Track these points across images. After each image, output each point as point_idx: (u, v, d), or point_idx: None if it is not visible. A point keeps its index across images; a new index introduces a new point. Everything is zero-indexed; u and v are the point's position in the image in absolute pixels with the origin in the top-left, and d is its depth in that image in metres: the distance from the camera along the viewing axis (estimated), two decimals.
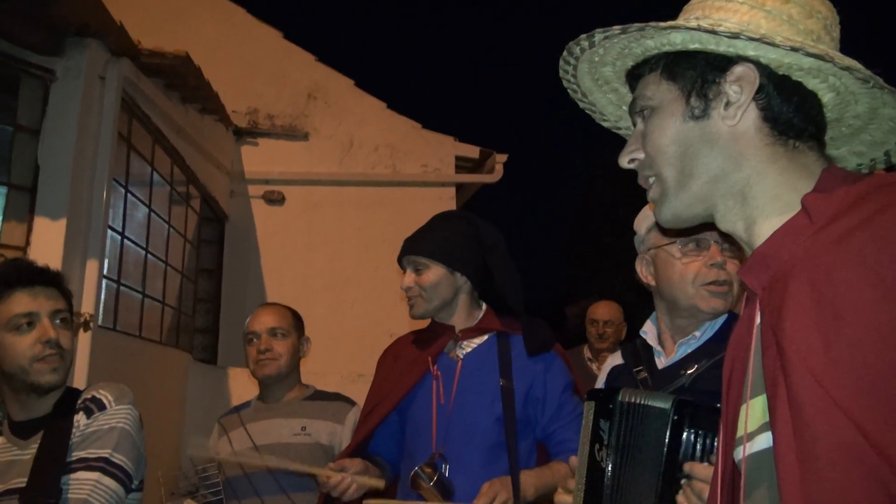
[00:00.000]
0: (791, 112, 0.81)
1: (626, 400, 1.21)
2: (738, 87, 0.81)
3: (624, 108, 0.99)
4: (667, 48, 0.85)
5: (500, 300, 1.89)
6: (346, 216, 6.07)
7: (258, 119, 6.13)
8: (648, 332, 1.49)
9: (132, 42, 3.67)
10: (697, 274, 1.37)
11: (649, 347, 1.48)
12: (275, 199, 6.02)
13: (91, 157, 3.53)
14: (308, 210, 6.06)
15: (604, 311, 3.93)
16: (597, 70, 0.94)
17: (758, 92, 0.81)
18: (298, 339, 2.29)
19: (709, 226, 0.88)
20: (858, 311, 0.65)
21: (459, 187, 6.46)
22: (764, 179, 0.81)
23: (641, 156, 0.88)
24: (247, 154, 6.08)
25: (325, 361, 4.97)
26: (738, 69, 0.81)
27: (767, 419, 0.72)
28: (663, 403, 1.17)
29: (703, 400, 1.16)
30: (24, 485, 1.44)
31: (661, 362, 1.44)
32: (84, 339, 3.35)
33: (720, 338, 1.39)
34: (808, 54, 0.76)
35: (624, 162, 0.91)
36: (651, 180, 0.88)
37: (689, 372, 1.35)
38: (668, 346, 1.45)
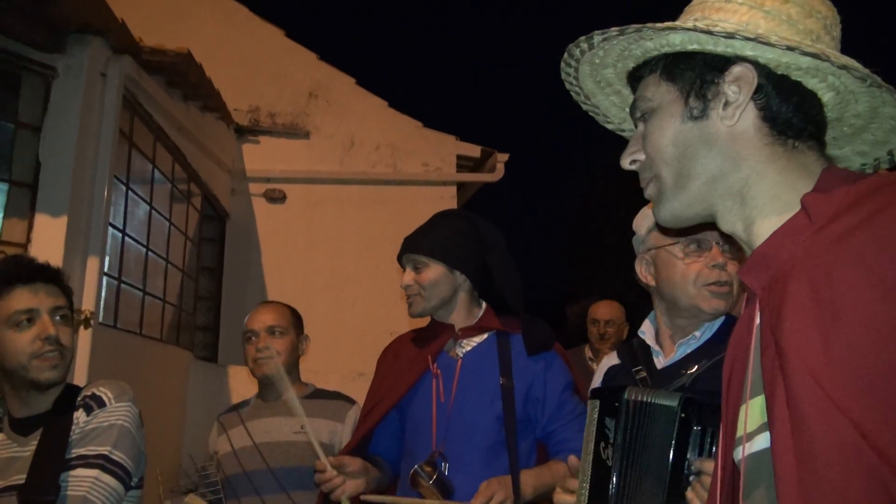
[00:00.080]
0: (790, 111, 0.81)
1: (633, 398, 1.21)
2: (737, 88, 0.81)
3: (627, 110, 0.99)
4: (666, 49, 0.85)
5: (499, 299, 1.89)
6: (347, 215, 6.08)
7: (259, 117, 6.13)
8: (647, 331, 1.49)
9: (133, 39, 3.67)
10: (699, 274, 1.38)
11: (647, 347, 1.48)
12: (276, 198, 6.03)
13: (92, 155, 3.54)
14: (309, 208, 6.06)
15: (605, 311, 3.92)
16: (598, 72, 0.95)
17: (756, 92, 0.81)
18: (297, 337, 2.28)
19: (709, 226, 0.88)
20: (857, 310, 0.65)
21: (460, 186, 6.46)
22: (762, 179, 0.81)
23: (642, 157, 0.88)
24: (248, 152, 6.08)
25: (325, 360, 4.97)
26: (737, 69, 0.81)
27: (766, 419, 0.72)
28: (670, 401, 1.17)
29: (708, 398, 1.16)
30: (23, 481, 1.44)
31: (660, 362, 1.44)
32: (84, 337, 3.36)
33: (719, 338, 1.39)
34: (805, 53, 0.76)
35: (625, 163, 0.91)
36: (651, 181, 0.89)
37: (689, 372, 1.35)
38: (667, 346, 1.44)
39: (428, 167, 6.28)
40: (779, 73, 0.81)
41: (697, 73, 0.83)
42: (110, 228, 3.73)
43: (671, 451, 1.14)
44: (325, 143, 6.20)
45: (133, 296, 4.24)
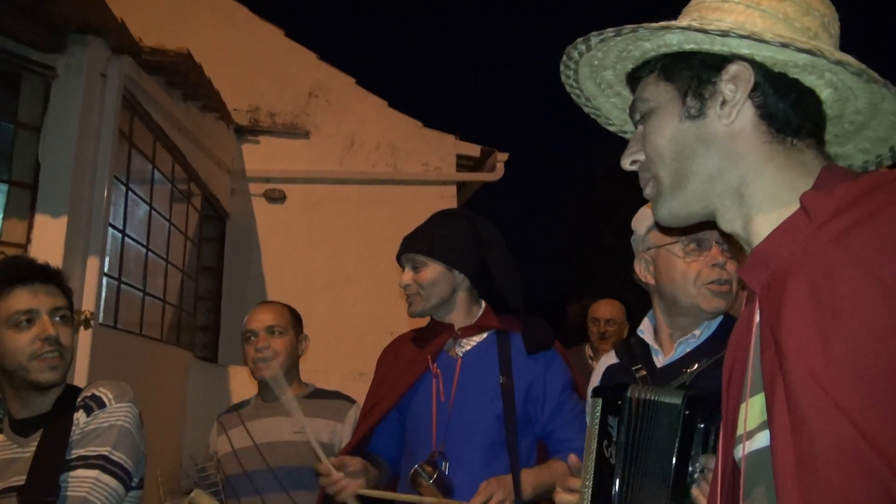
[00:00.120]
0: (788, 109, 0.81)
1: (636, 396, 1.21)
2: (734, 86, 0.81)
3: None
4: (663, 50, 0.85)
5: (499, 298, 1.89)
6: (347, 214, 6.08)
7: (259, 117, 6.13)
8: (646, 330, 1.49)
9: (133, 39, 3.67)
10: (699, 273, 1.38)
11: (646, 346, 1.48)
12: (276, 198, 6.03)
13: (92, 155, 3.54)
14: (309, 208, 6.06)
15: (605, 310, 3.92)
16: (598, 74, 0.95)
17: (753, 90, 0.81)
18: (296, 336, 2.28)
19: (710, 225, 0.89)
20: (857, 309, 0.65)
21: (460, 186, 6.46)
22: (760, 178, 0.81)
23: (642, 157, 0.89)
24: (248, 152, 6.08)
25: (326, 360, 4.97)
26: (733, 68, 0.81)
27: (766, 418, 0.72)
28: (674, 399, 1.18)
29: (710, 396, 1.16)
30: (23, 482, 1.44)
31: (660, 361, 1.44)
32: (85, 337, 3.36)
33: (718, 337, 1.40)
34: (799, 49, 0.76)
35: (626, 164, 0.91)
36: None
37: (690, 370, 1.36)
38: (667, 344, 1.45)
39: (428, 167, 6.28)
40: (776, 70, 0.81)
41: (694, 73, 0.83)
42: (110, 229, 3.73)
43: (675, 449, 1.15)
44: (324, 142, 6.20)
45: (133, 296, 4.24)
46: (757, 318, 0.78)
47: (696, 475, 1.12)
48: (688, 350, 1.41)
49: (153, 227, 4.50)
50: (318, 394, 2.30)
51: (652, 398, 1.20)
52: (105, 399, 1.55)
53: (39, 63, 3.39)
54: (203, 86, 4.63)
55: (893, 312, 0.63)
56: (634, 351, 1.49)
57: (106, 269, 3.71)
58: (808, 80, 0.81)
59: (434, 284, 1.84)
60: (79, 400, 1.56)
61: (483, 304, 1.94)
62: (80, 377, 3.23)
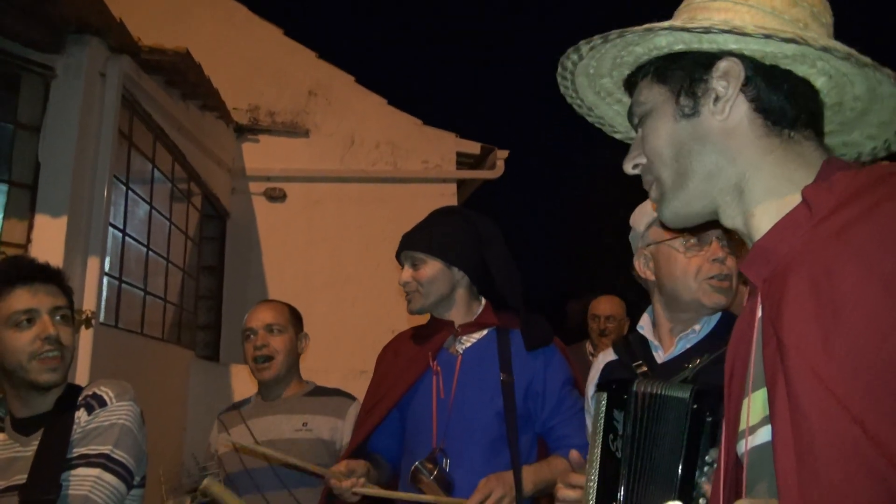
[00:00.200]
0: (782, 100, 0.81)
1: (642, 390, 1.21)
2: (725, 82, 0.81)
3: None
4: (655, 53, 0.86)
5: (498, 296, 1.90)
6: (347, 213, 6.07)
7: (259, 116, 6.13)
8: (645, 326, 1.50)
9: (132, 39, 3.67)
10: (700, 269, 1.39)
11: (645, 342, 1.48)
12: (276, 196, 6.02)
13: (92, 155, 3.54)
14: (309, 207, 6.06)
15: (605, 307, 3.91)
16: (596, 83, 0.96)
17: (745, 84, 0.81)
18: (296, 335, 2.28)
19: (713, 224, 0.89)
20: (857, 305, 0.64)
21: (461, 184, 6.45)
22: (759, 172, 0.81)
23: (644, 160, 0.89)
24: (248, 151, 6.08)
25: (326, 358, 4.97)
26: (723, 64, 0.81)
27: (768, 412, 0.72)
28: (681, 393, 1.18)
29: (715, 391, 1.16)
30: (24, 481, 1.44)
31: (660, 356, 1.44)
32: (86, 337, 3.36)
33: (717, 333, 1.40)
34: (782, 39, 0.77)
35: (628, 168, 0.92)
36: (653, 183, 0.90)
37: (691, 366, 1.36)
38: (667, 340, 1.45)
39: (428, 164, 6.28)
40: (767, 63, 0.81)
41: (686, 72, 0.84)
42: (110, 228, 3.73)
43: (683, 443, 1.15)
44: (324, 141, 6.20)
45: (134, 295, 4.25)
46: (759, 313, 0.78)
47: (705, 468, 1.12)
48: (688, 346, 1.42)
49: (153, 226, 4.50)
50: (319, 391, 2.30)
51: (659, 392, 1.20)
52: (106, 398, 1.56)
53: (38, 63, 3.39)
54: (202, 85, 4.63)
55: (894, 308, 0.63)
56: (633, 347, 1.49)
57: (107, 269, 3.71)
58: (801, 70, 0.82)
59: (433, 282, 1.84)
60: (80, 399, 1.56)
61: (483, 301, 1.94)
62: (81, 376, 3.23)
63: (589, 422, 1.57)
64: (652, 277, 1.47)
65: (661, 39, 0.83)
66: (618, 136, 1.05)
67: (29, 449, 1.50)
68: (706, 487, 1.11)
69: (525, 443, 1.80)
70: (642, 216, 1.50)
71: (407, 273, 1.87)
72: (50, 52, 3.40)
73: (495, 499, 1.63)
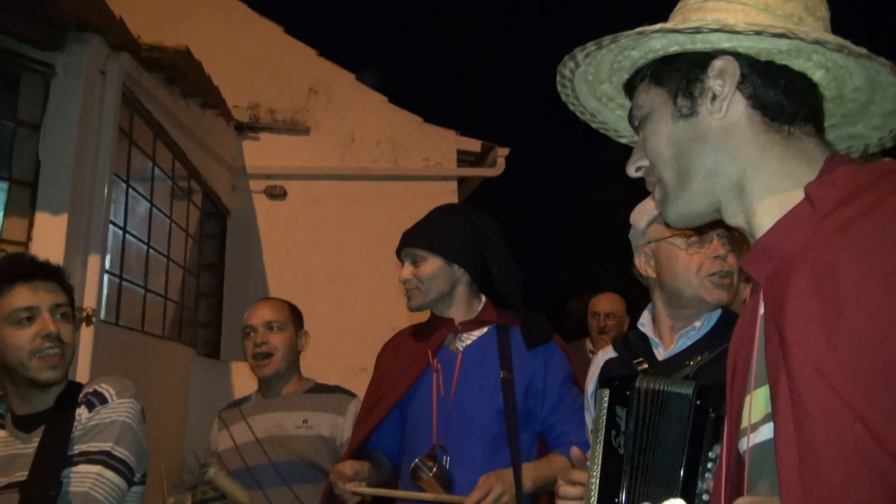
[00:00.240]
0: (779, 96, 0.81)
1: (645, 387, 1.22)
2: (721, 81, 0.82)
3: None
4: (651, 56, 0.87)
5: (498, 293, 1.90)
6: (347, 211, 6.07)
7: (259, 114, 6.12)
8: (646, 323, 1.50)
9: (132, 37, 3.66)
10: (701, 265, 1.39)
11: (645, 339, 1.48)
12: (276, 194, 6.02)
13: (92, 153, 3.54)
14: (310, 205, 6.06)
15: (605, 304, 3.90)
16: (596, 89, 0.96)
17: (742, 82, 0.81)
18: (296, 332, 2.29)
19: (717, 222, 0.89)
20: (860, 302, 0.64)
21: (461, 181, 6.45)
22: (759, 169, 0.81)
23: (646, 163, 0.90)
24: (248, 149, 6.08)
25: (327, 356, 4.98)
26: (718, 63, 0.82)
27: (770, 410, 0.72)
28: (685, 389, 1.18)
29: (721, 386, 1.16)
30: (25, 478, 1.44)
31: (661, 354, 1.44)
32: (86, 334, 3.36)
33: (717, 331, 1.41)
34: (773, 35, 0.77)
35: (631, 171, 0.93)
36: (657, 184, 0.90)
37: (692, 363, 1.36)
38: (667, 338, 1.45)
39: (428, 162, 6.28)
40: (762, 59, 0.81)
41: (682, 73, 0.84)
42: (111, 226, 3.73)
43: (687, 439, 1.15)
44: (325, 139, 6.19)
45: (134, 293, 4.25)
46: (761, 311, 0.78)
47: (708, 464, 1.13)
48: (689, 343, 1.42)
49: (154, 224, 4.50)
50: (319, 388, 2.30)
51: (662, 388, 1.20)
52: (107, 395, 1.56)
53: (39, 61, 3.39)
54: (203, 83, 4.63)
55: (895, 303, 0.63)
56: (633, 345, 1.49)
57: (107, 267, 3.71)
58: (797, 65, 0.82)
59: (433, 279, 1.85)
60: (81, 396, 1.56)
61: (483, 298, 1.94)
62: (81, 374, 3.24)
63: (589, 419, 1.57)
64: (653, 275, 1.47)
65: (655, 42, 0.84)
66: (623, 141, 1.05)
67: (30, 446, 1.51)
68: (710, 483, 1.11)
69: (525, 440, 1.80)
70: (643, 214, 1.50)
71: (407, 270, 1.87)
72: (50, 50, 3.40)
73: (495, 496, 1.63)
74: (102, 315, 3.61)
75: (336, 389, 2.31)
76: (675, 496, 1.13)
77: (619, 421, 1.22)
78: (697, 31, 0.79)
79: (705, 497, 1.11)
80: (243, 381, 4.95)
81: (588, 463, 1.25)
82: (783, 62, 0.81)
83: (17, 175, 3.38)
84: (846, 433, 0.62)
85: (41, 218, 3.33)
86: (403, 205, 5.84)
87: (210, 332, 5.81)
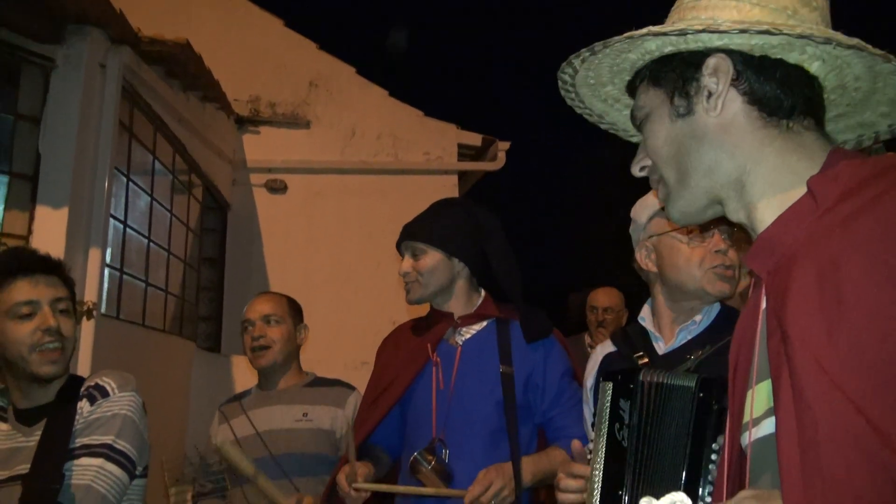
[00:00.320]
0: (775, 89, 0.82)
1: (648, 380, 1.22)
2: (715, 78, 0.82)
3: None
4: (648, 57, 0.88)
5: (497, 288, 1.90)
6: (348, 205, 6.07)
7: (260, 107, 6.11)
8: (647, 317, 1.50)
9: (132, 30, 3.65)
10: (703, 259, 1.40)
11: (645, 334, 1.48)
12: (277, 188, 6.02)
13: (92, 146, 3.53)
14: (310, 199, 6.06)
15: (603, 298, 3.89)
16: (600, 91, 0.97)
17: (736, 79, 0.82)
18: (294, 326, 2.29)
19: (721, 219, 0.89)
20: (862, 296, 0.64)
21: (462, 175, 6.44)
22: (759, 165, 0.81)
23: (649, 162, 0.90)
24: (249, 142, 6.07)
25: (328, 349, 4.98)
26: (712, 61, 0.82)
27: (772, 404, 0.72)
28: (688, 381, 1.19)
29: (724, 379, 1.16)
30: (27, 471, 1.44)
31: (661, 348, 1.45)
32: (87, 328, 3.37)
33: (716, 326, 1.41)
34: (758, 32, 0.77)
35: (635, 171, 0.93)
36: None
37: (693, 357, 1.36)
38: (667, 332, 1.45)
39: (429, 156, 6.27)
40: (756, 55, 0.82)
41: (678, 73, 0.85)
42: (111, 220, 3.73)
43: (690, 431, 1.16)
44: (325, 132, 6.18)
45: (135, 287, 4.25)
46: (763, 305, 0.78)
47: (712, 456, 1.13)
48: (689, 337, 1.42)
49: (154, 217, 4.50)
50: (319, 382, 2.31)
51: (665, 381, 1.21)
52: (108, 388, 1.56)
53: (38, 54, 3.38)
54: (203, 76, 4.61)
55: None
56: (633, 339, 1.49)
57: (108, 260, 3.71)
58: (792, 58, 0.82)
59: (433, 272, 1.84)
60: (82, 389, 1.56)
61: (482, 292, 1.94)
62: (83, 368, 3.24)
63: (588, 413, 1.58)
64: (654, 269, 1.47)
65: (650, 44, 0.85)
66: (634, 140, 1.06)
67: (31, 439, 1.51)
68: (713, 475, 1.11)
69: (525, 434, 1.80)
70: (644, 208, 1.51)
71: (407, 263, 1.87)
72: (50, 43, 3.39)
73: (495, 490, 1.64)
74: (103, 309, 3.61)
75: (336, 383, 2.32)
76: (678, 488, 1.13)
77: (623, 414, 1.22)
78: (683, 32, 0.81)
79: (709, 489, 1.11)
80: (244, 374, 4.96)
81: (590, 456, 1.26)
82: (778, 56, 0.82)
83: (18, 169, 3.38)
84: (847, 427, 0.62)
85: (41, 212, 3.33)
86: (404, 199, 5.84)
87: (211, 326, 5.81)
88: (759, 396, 0.76)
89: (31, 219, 3.32)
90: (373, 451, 1.89)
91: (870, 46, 0.78)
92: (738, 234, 1.42)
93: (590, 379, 1.57)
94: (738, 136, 0.82)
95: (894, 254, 0.64)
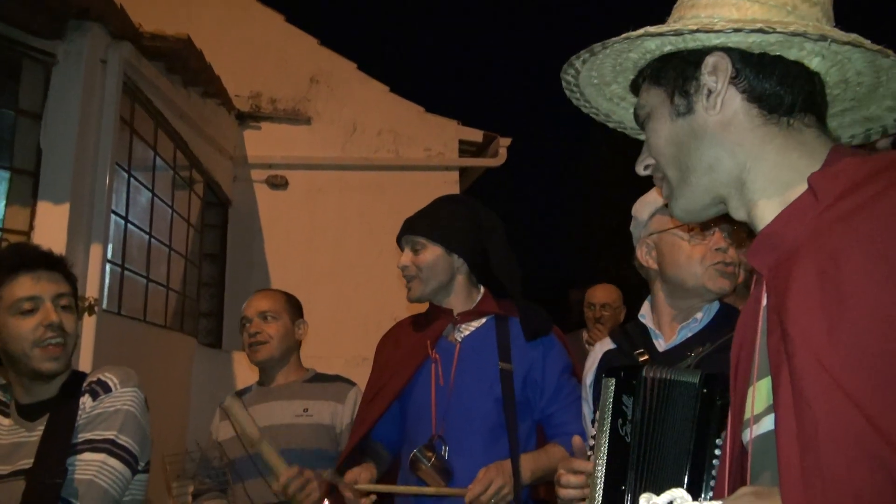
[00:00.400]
0: (775, 86, 0.81)
1: (651, 375, 1.22)
2: (715, 77, 0.82)
3: None
4: (648, 56, 0.88)
5: (498, 285, 1.89)
6: (349, 201, 6.07)
7: (261, 103, 6.11)
8: (647, 315, 1.50)
9: (133, 25, 3.65)
10: (704, 256, 1.40)
11: (645, 331, 1.49)
12: (278, 184, 6.02)
13: (93, 141, 3.53)
14: (311, 194, 6.05)
15: (601, 295, 3.88)
16: (604, 91, 0.98)
17: (735, 76, 0.82)
18: (292, 322, 2.30)
19: (724, 218, 0.90)
20: (863, 294, 0.64)
21: (463, 171, 6.44)
22: (760, 162, 0.81)
23: (652, 161, 0.91)
24: (250, 138, 6.07)
25: (329, 345, 4.99)
26: (710, 59, 0.82)
27: (773, 402, 0.72)
28: (691, 378, 1.19)
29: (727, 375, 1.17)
30: (30, 466, 1.45)
31: (661, 345, 1.45)
32: (89, 324, 3.37)
33: (716, 324, 1.41)
34: (751, 31, 0.77)
35: (640, 170, 0.94)
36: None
37: (693, 354, 1.36)
38: (667, 329, 1.45)
39: (430, 152, 6.26)
40: (755, 52, 0.82)
41: (677, 72, 0.85)
42: (113, 216, 3.73)
43: (694, 426, 1.16)
44: (326, 128, 6.18)
45: (136, 282, 4.25)
46: (764, 301, 0.78)
47: (716, 451, 1.13)
48: (689, 335, 1.42)
49: (155, 213, 4.50)
50: (319, 378, 2.32)
51: (669, 377, 1.21)
52: (111, 384, 1.56)
53: (39, 49, 3.38)
54: (204, 72, 4.61)
55: None
56: (633, 336, 1.49)
57: (109, 256, 3.72)
58: (792, 54, 0.82)
59: (432, 267, 1.84)
60: (85, 385, 1.57)
61: (482, 289, 1.93)
62: (84, 363, 3.25)
63: (587, 410, 1.58)
64: (654, 266, 1.47)
65: (650, 43, 0.85)
66: (641, 138, 1.06)
67: (34, 434, 1.51)
68: (717, 470, 1.12)
69: (524, 430, 1.80)
70: (644, 206, 1.51)
71: (407, 257, 1.87)
72: (51, 39, 3.39)
73: (495, 488, 1.64)
74: (104, 305, 3.62)
75: (336, 378, 2.32)
76: (681, 484, 1.13)
77: (626, 409, 1.22)
78: (678, 33, 0.81)
79: (712, 484, 1.12)
80: (245, 370, 4.97)
81: (592, 452, 1.26)
82: (777, 53, 0.81)
83: (19, 164, 3.38)
84: (847, 425, 0.62)
85: (43, 207, 3.33)
86: (405, 195, 5.84)
87: (212, 322, 5.82)
88: (760, 393, 0.77)
89: (33, 214, 3.33)
90: (373, 447, 1.90)
91: (867, 42, 0.77)
92: (738, 231, 1.42)
93: (589, 376, 1.57)
94: (738, 133, 0.82)
95: (894, 250, 0.64)
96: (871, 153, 0.77)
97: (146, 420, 1.59)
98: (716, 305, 1.45)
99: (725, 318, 1.42)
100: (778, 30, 0.77)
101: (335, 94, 6.23)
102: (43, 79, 3.42)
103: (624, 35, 0.84)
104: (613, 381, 1.26)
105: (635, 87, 0.94)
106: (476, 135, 6.43)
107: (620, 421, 1.22)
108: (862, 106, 0.89)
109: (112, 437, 1.50)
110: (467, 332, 1.87)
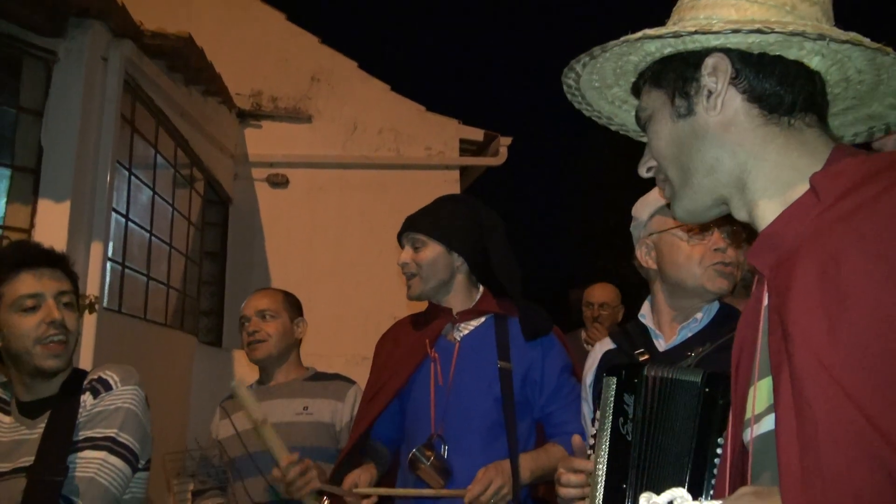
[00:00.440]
0: (775, 86, 0.82)
1: (653, 374, 1.22)
2: (714, 78, 0.83)
3: None
4: (649, 59, 0.88)
5: (497, 284, 1.89)
6: (349, 199, 6.07)
7: (262, 102, 6.11)
8: (647, 315, 1.50)
9: (134, 23, 3.65)
10: (703, 256, 1.41)
11: (645, 331, 1.49)
12: (279, 182, 6.02)
13: (94, 139, 3.53)
14: (312, 193, 6.05)
15: (599, 294, 3.88)
16: (606, 94, 0.98)
17: (735, 77, 0.82)
18: (291, 320, 2.30)
19: (726, 218, 0.90)
20: (863, 294, 0.64)
21: (463, 170, 6.44)
22: (761, 162, 0.81)
23: (655, 163, 0.91)
24: (250, 137, 6.06)
25: (329, 344, 4.99)
26: (710, 60, 0.83)
27: (773, 401, 0.72)
28: (693, 377, 1.19)
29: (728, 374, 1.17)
30: (31, 463, 1.45)
31: (661, 345, 1.45)
32: (89, 322, 3.37)
33: (716, 324, 1.41)
34: (749, 31, 0.77)
35: (642, 172, 0.94)
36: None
37: (693, 354, 1.37)
38: (667, 329, 1.46)
39: (431, 151, 6.26)
40: (754, 52, 0.82)
41: (678, 74, 0.85)
42: (113, 213, 3.73)
43: (695, 425, 1.16)
44: (327, 127, 6.18)
45: (137, 281, 4.26)
46: (765, 301, 0.78)
47: (717, 450, 1.14)
48: (689, 335, 1.43)
49: (156, 211, 4.50)
50: (319, 376, 2.32)
51: (670, 376, 1.21)
52: (111, 382, 1.57)
53: (40, 47, 3.38)
54: (205, 70, 4.61)
55: None
56: (633, 336, 1.50)
57: (110, 254, 3.72)
58: (792, 54, 0.82)
59: (432, 265, 1.84)
60: (85, 383, 1.57)
61: (481, 288, 1.93)
62: (84, 361, 3.25)
63: (587, 410, 1.58)
64: (654, 266, 1.47)
65: (650, 45, 0.85)
66: (644, 140, 1.06)
67: (35, 432, 1.52)
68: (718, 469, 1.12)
69: (523, 429, 1.80)
70: (644, 206, 1.51)
71: (407, 254, 1.87)
72: (52, 36, 3.38)
73: (494, 488, 1.64)
74: (105, 303, 3.62)
75: (336, 377, 2.33)
76: (683, 482, 1.13)
77: (627, 408, 1.23)
78: (677, 35, 0.81)
79: (713, 483, 1.12)
80: (245, 368, 4.97)
81: (593, 450, 1.26)
82: (776, 53, 0.82)
83: (20, 162, 3.38)
84: (847, 424, 0.62)
85: (44, 205, 3.33)
86: (405, 194, 5.84)
87: (212, 321, 5.82)
88: (761, 393, 0.77)
89: (34, 212, 3.33)
90: (373, 446, 1.90)
91: (866, 40, 0.78)
92: (737, 232, 1.42)
93: (589, 376, 1.57)
94: (739, 134, 0.82)
95: (895, 249, 0.64)
96: (872, 153, 0.77)
97: (147, 418, 1.60)
98: (716, 305, 1.45)
99: (725, 319, 1.42)
100: (776, 30, 0.77)
101: (336, 92, 6.23)
102: (44, 76, 3.42)
103: (623, 38, 0.84)
104: (615, 379, 1.26)
105: (636, 90, 0.94)
106: (477, 134, 6.43)
107: (622, 419, 1.23)
108: (864, 104, 0.89)
109: (113, 434, 1.51)
110: (466, 332, 1.87)
